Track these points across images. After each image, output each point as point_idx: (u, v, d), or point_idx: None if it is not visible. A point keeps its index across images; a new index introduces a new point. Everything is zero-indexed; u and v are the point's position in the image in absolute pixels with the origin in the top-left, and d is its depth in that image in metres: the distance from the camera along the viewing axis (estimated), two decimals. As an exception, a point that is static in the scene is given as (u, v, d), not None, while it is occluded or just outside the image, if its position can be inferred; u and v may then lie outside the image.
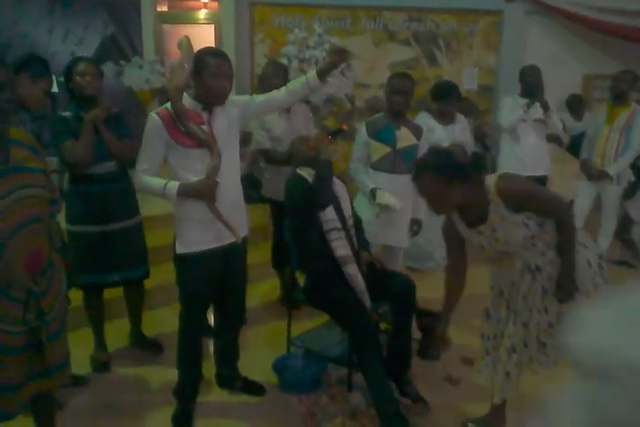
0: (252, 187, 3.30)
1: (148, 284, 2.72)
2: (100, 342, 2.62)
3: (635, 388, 0.67)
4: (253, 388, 2.43)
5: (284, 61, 4.03)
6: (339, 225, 2.35)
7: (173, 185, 1.96)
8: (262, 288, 3.51)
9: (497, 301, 1.99)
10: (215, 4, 5.29)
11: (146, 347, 2.73)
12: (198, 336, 2.22)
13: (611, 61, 5.11)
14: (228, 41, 5.05)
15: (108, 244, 2.41)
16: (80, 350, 2.42)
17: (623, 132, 3.65)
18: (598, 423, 0.71)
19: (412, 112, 3.12)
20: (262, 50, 5.19)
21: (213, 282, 2.15)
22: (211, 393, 2.41)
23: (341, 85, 4.17)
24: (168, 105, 1.98)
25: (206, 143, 1.96)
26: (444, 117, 3.51)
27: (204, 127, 1.98)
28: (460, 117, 3.64)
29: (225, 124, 2.04)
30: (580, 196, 3.82)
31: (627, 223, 4.45)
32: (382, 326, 2.74)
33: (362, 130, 2.80)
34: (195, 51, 1.99)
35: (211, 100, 1.99)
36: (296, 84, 2.10)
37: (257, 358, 2.63)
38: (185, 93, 1.98)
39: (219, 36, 5.23)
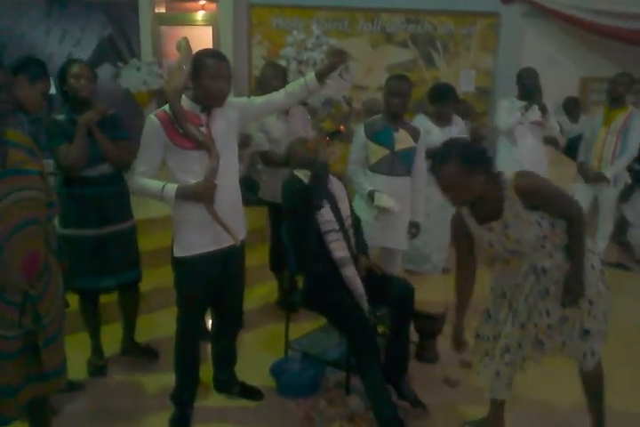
0: (249, 189, 3.29)
1: (144, 287, 2.70)
2: (97, 347, 2.59)
3: None
4: (251, 392, 2.42)
5: (283, 63, 4.03)
6: (336, 226, 2.35)
7: (171, 187, 1.95)
8: (260, 291, 3.49)
9: (498, 302, 1.98)
10: (213, 5, 5.29)
11: (139, 354, 2.69)
12: (196, 340, 2.21)
13: (607, 64, 5.13)
14: (225, 43, 5.05)
15: (102, 247, 2.39)
16: (76, 355, 2.40)
17: (620, 134, 3.66)
18: None
19: (410, 114, 3.13)
20: (260, 52, 5.20)
21: (212, 285, 2.14)
22: (208, 398, 2.40)
23: (339, 87, 4.18)
24: (166, 107, 1.97)
25: (205, 145, 1.95)
26: (442, 120, 3.51)
27: (203, 129, 1.97)
28: (458, 120, 3.64)
29: (224, 126, 2.03)
30: (577, 198, 3.81)
31: (623, 226, 4.46)
32: (380, 329, 2.73)
33: (360, 132, 2.79)
34: (193, 52, 1.98)
35: (209, 101, 1.98)
36: (295, 86, 2.10)
37: (254, 362, 2.62)
38: (183, 95, 1.97)
39: (216, 37, 5.23)
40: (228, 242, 2.06)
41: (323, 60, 4.08)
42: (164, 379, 2.42)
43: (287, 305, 2.77)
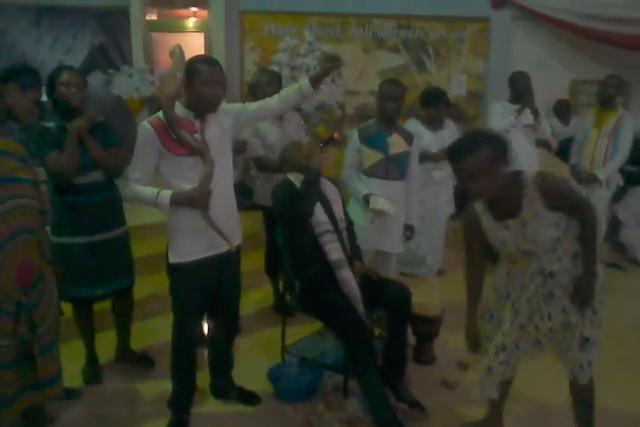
0: (243, 194, 3.29)
1: (139, 293, 2.69)
2: (92, 355, 2.57)
3: None
4: (248, 397, 2.41)
5: (275, 69, 4.04)
6: (331, 228, 2.35)
7: (166, 194, 1.95)
8: (255, 296, 3.49)
9: (501, 302, 1.97)
10: (205, 12, 5.29)
11: (134, 362, 2.67)
12: (192, 346, 2.19)
13: (597, 66, 5.17)
14: (217, 49, 5.05)
15: (95, 254, 2.38)
16: (71, 363, 2.38)
17: (611, 136, 3.70)
18: None
19: (402, 118, 3.14)
20: (252, 58, 5.21)
21: (207, 291, 2.13)
22: (205, 404, 2.38)
23: (332, 93, 4.19)
24: (160, 114, 1.97)
25: (199, 151, 1.95)
26: (433, 123, 3.53)
27: (197, 135, 1.98)
28: (449, 123, 3.66)
29: (217, 132, 2.04)
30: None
31: (615, 226, 4.50)
32: (377, 332, 2.74)
33: (354, 136, 2.80)
34: (186, 59, 1.99)
35: (203, 107, 1.98)
36: (289, 91, 2.10)
37: (251, 367, 2.61)
38: (177, 102, 1.98)
39: (208, 44, 5.23)
40: (223, 247, 2.05)
41: (315, 66, 4.10)
42: (160, 385, 2.41)
43: (283, 309, 2.77)
